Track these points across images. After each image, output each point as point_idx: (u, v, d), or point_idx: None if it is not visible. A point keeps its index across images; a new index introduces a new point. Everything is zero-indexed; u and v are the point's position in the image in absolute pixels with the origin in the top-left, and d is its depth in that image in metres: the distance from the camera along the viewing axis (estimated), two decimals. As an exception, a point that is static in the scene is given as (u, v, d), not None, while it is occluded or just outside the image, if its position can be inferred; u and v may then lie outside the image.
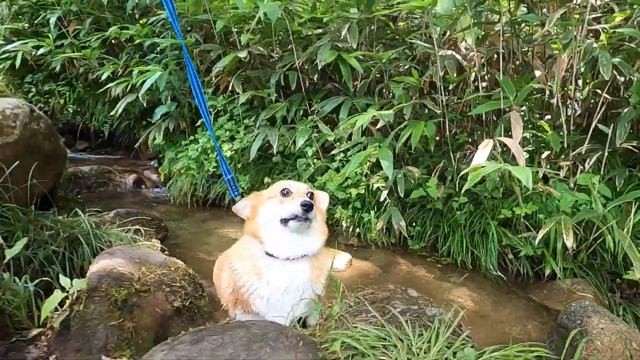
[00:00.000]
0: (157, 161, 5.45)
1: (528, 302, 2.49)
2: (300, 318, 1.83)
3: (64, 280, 1.22)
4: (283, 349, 1.01)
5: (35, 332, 1.16)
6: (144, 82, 4.43)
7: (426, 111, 3.72)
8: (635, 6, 2.93)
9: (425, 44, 3.26)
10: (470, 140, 3.62)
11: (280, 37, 4.13)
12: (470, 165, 2.54)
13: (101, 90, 4.95)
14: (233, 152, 4.04)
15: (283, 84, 3.98)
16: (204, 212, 4.09)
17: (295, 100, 4.10)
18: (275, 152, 3.79)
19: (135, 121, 5.71)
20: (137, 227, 2.24)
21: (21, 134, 2.05)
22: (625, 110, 2.90)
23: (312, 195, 1.87)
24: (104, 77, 4.85)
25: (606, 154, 2.79)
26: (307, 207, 1.72)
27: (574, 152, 3.08)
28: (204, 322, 1.45)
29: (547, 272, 2.64)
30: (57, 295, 1.17)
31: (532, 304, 2.47)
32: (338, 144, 3.66)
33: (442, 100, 3.43)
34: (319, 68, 3.73)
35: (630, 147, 2.88)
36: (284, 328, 1.11)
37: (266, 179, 3.94)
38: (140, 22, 4.73)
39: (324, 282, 1.81)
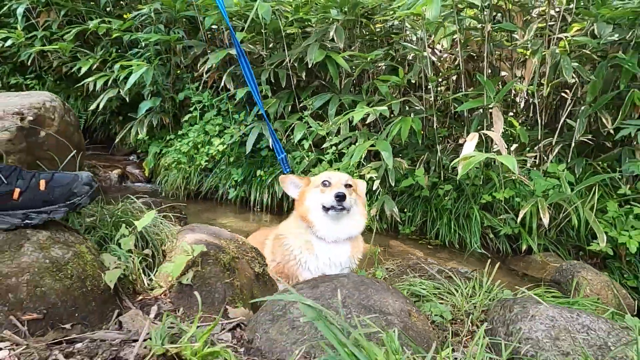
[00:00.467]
0: (137, 156, 5.42)
1: (510, 272, 2.87)
2: None
3: (185, 246, 1.39)
4: (381, 290, 1.25)
5: (160, 290, 1.32)
6: (127, 77, 4.44)
7: (407, 108, 4.06)
8: (587, 17, 3.41)
9: (414, 46, 3.57)
10: (448, 134, 4.00)
11: (268, 36, 4.30)
12: (460, 155, 2.88)
13: (79, 84, 4.87)
14: (225, 146, 4.16)
15: (273, 80, 4.16)
16: (197, 204, 4.19)
17: (284, 97, 4.30)
18: (271, 146, 3.96)
19: (111, 116, 5.63)
20: (165, 214, 2.36)
21: (59, 125, 2.13)
22: (582, 107, 3.36)
23: (349, 186, 2.08)
24: (83, 70, 4.78)
25: (573, 144, 3.22)
26: (340, 197, 1.94)
27: (539, 145, 3.53)
28: (273, 286, 1.65)
29: (524, 247, 3.04)
30: (183, 258, 1.33)
31: (514, 273, 2.86)
32: (329, 137, 3.90)
33: (425, 98, 3.77)
34: (309, 66, 3.95)
35: (585, 140, 3.36)
36: (369, 278, 1.35)
37: (258, 172, 4.11)
38: (125, 15, 4.71)
39: (360, 257, 2.06)
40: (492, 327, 1.24)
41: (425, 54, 3.74)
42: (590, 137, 3.34)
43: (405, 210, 3.51)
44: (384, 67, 4.52)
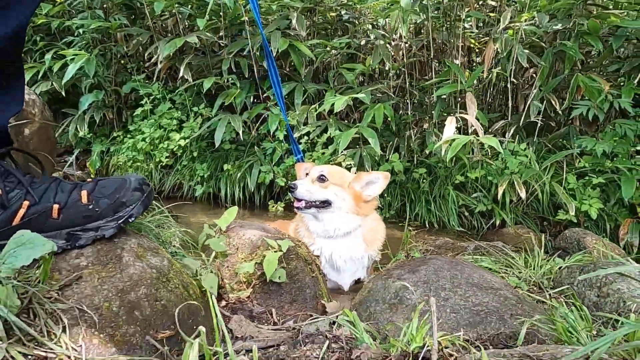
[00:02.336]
0: (75, 157, 4.88)
1: (488, 244, 3.08)
2: (359, 279, 2.07)
3: (272, 242, 1.27)
4: (474, 268, 1.28)
5: (245, 293, 1.19)
6: (62, 68, 3.98)
7: (372, 96, 4.14)
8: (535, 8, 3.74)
9: (380, 32, 3.64)
10: (413, 120, 4.15)
11: (227, 24, 4.10)
12: (442, 139, 3.02)
13: None
14: (187, 141, 3.92)
15: (234, 70, 3.99)
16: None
17: (246, 87, 4.15)
18: (242, 138, 3.81)
19: (38, 113, 4.99)
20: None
21: (40, 121, 1.88)
22: (534, 91, 3.69)
23: (322, 178, 1.99)
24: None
25: (539, 124, 3.52)
26: (290, 188, 1.95)
27: (496, 127, 3.81)
28: (324, 277, 1.61)
29: (498, 222, 3.28)
30: (274, 255, 1.21)
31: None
32: (300, 128, 3.85)
33: (390, 86, 3.88)
34: (275, 55, 3.84)
35: (535, 121, 3.69)
36: (455, 259, 1.37)
37: (225, 166, 3.93)
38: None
39: (380, 248, 2.06)
40: (576, 292, 1.34)
41: (383, 42, 3.84)
42: (541, 118, 3.68)
43: (385, 195, 3.59)
44: (344, 55, 4.54)
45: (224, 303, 1.19)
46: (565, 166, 3.29)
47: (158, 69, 4.02)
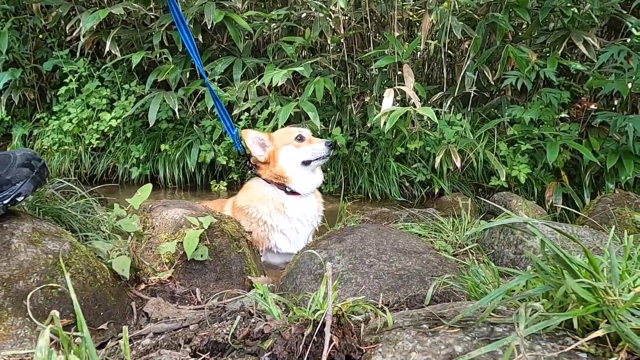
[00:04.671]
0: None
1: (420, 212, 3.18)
2: None
3: (193, 220, 1.19)
4: (399, 234, 1.29)
5: (166, 274, 1.12)
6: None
7: (312, 69, 4.08)
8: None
9: (318, 3, 3.56)
10: (354, 94, 4.15)
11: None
12: (381, 110, 3.04)
13: None
14: (119, 121, 3.70)
15: (167, 44, 3.77)
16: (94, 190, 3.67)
17: (181, 62, 3.95)
18: (178, 117, 3.64)
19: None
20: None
21: None
22: (468, 62, 3.79)
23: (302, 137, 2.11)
24: None
25: (473, 95, 3.62)
26: (331, 146, 2.07)
27: (434, 98, 3.90)
28: (258, 253, 1.57)
29: (436, 190, 3.39)
30: (195, 232, 1.14)
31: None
32: (240, 104, 3.73)
33: (332, 59, 3.83)
34: (209, 28, 3.67)
35: (469, 91, 3.81)
36: (382, 227, 1.38)
37: (163, 146, 3.76)
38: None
39: (323, 209, 2.10)
40: (496, 251, 1.40)
41: (322, 14, 3.77)
42: (475, 89, 3.80)
43: (328, 169, 3.60)
44: (284, 29, 4.42)
45: (143, 286, 1.12)
46: (497, 134, 3.43)
47: (82, 44, 3.72)
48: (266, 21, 4.06)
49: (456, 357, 0.55)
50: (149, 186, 1.21)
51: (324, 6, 3.59)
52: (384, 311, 0.71)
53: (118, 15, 3.58)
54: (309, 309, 0.74)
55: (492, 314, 0.66)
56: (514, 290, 0.69)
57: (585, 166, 3.24)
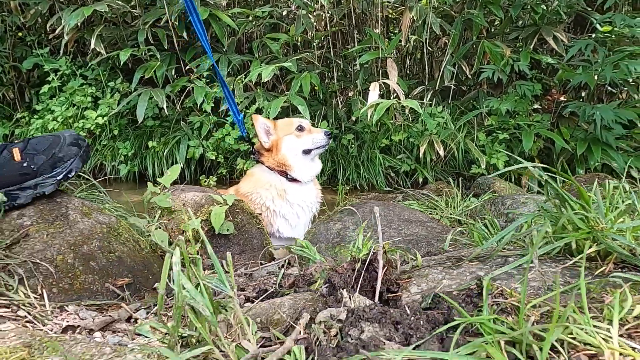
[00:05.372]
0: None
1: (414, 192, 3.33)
2: None
3: (218, 198, 1.27)
4: (403, 207, 1.42)
5: (195, 247, 1.20)
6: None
7: (297, 65, 4.18)
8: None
9: (305, 1, 3.66)
10: (339, 89, 4.28)
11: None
12: (367, 103, 3.17)
13: None
14: (105, 119, 3.70)
15: (152, 42, 3.80)
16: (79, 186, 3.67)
17: (166, 59, 3.98)
18: (169, 114, 3.67)
19: None
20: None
21: None
22: (447, 58, 3.97)
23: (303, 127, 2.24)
24: None
25: (452, 88, 3.80)
26: (330, 135, 2.19)
27: (415, 92, 4.07)
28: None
29: (420, 179, 3.56)
30: (221, 208, 1.22)
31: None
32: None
33: (315, 55, 3.95)
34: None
35: (448, 85, 3.99)
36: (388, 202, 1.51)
37: (150, 143, 3.79)
38: None
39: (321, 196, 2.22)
40: (488, 222, 1.54)
41: (305, 11, 3.88)
42: (454, 82, 3.99)
43: (316, 162, 3.70)
44: (267, 26, 4.50)
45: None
46: (476, 125, 3.62)
47: (65, 42, 3.70)
48: (250, 18, 4.14)
49: (481, 277, 0.67)
50: (178, 166, 1.29)
51: (309, 3, 3.69)
52: (414, 256, 0.82)
53: (102, 13, 3.59)
54: (350, 249, 0.85)
55: (504, 250, 0.78)
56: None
57: (558, 153, 3.46)
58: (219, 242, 1.28)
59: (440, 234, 1.26)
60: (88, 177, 1.66)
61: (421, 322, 0.53)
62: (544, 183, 0.77)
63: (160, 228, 1.14)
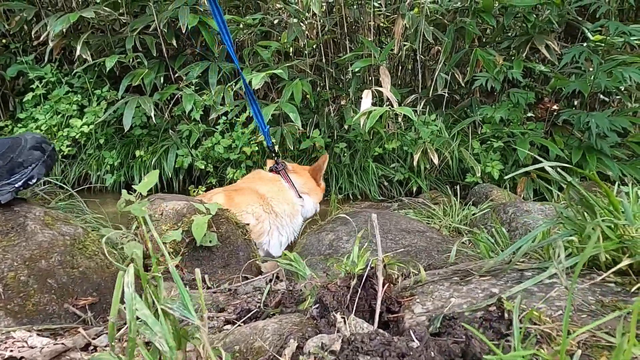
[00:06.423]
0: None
1: (410, 200, 3.26)
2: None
3: (200, 207, 1.17)
4: (400, 217, 1.33)
5: (174, 261, 1.10)
6: None
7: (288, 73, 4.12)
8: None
9: (295, 7, 3.61)
10: (332, 97, 4.21)
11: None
12: (360, 111, 3.11)
13: None
14: (91, 127, 3.60)
15: (141, 49, 3.72)
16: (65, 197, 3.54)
17: (155, 67, 3.89)
18: (155, 122, 3.57)
19: None
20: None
21: None
22: (439, 66, 3.93)
23: None
24: None
25: (445, 96, 3.75)
26: None
27: (408, 101, 4.02)
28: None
29: (414, 188, 3.48)
30: (203, 219, 1.12)
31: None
32: (216, 108, 3.71)
33: (307, 63, 3.88)
34: (184, 32, 3.65)
35: (442, 93, 3.95)
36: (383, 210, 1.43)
37: (137, 152, 3.68)
38: None
39: None
40: (489, 230, 1.46)
41: (296, 19, 3.83)
42: (447, 91, 3.95)
43: (308, 171, 3.61)
44: (258, 34, 4.44)
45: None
46: (470, 133, 3.57)
47: (50, 49, 3.60)
48: (241, 26, 4.08)
49: (496, 295, 0.59)
50: (156, 172, 1.19)
51: (301, 11, 3.64)
52: (417, 269, 0.74)
53: (88, 19, 3.51)
54: (344, 264, 0.76)
55: (519, 262, 0.70)
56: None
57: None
58: (201, 254, 1.19)
59: (440, 244, 1.18)
60: (65, 186, 1.55)
61: (433, 353, 0.44)
62: (565, 186, 0.69)
63: (135, 239, 1.04)
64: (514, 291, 0.59)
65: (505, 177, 3.10)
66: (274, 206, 1.94)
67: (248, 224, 1.64)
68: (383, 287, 0.61)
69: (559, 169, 0.69)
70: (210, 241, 1.16)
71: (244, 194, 1.96)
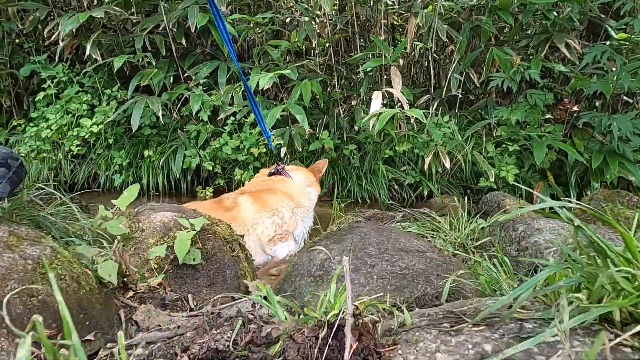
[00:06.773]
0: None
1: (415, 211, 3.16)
2: None
3: (184, 222, 1.11)
4: (399, 233, 1.25)
5: (156, 280, 1.05)
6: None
7: (298, 73, 4.04)
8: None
9: (307, 7, 3.54)
10: (342, 97, 4.13)
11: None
12: (370, 112, 3.01)
13: None
14: (100, 127, 3.59)
15: (150, 49, 3.69)
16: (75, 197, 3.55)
17: (164, 67, 3.87)
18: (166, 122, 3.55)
19: None
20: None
21: None
22: (453, 65, 3.80)
23: None
24: None
25: (459, 97, 3.63)
26: None
27: (420, 101, 3.90)
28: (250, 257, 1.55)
29: (425, 192, 3.38)
30: (186, 235, 1.07)
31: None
32: (225, 108, 3.67)
33: (317, 63, 3.80)
34: (193, 31, 3.61)
35: (455, 94, 3.82)
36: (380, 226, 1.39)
37: (146, 152, 3.66)
38: None
39: None
40: (497, 249, 1.37)
41: (307, 18, 3.75)
42: (461, 91, 3.82)
43: (316, 173, 3.54)
44: (269, 33, 4.38)
45: (131, 293, 1.05)
46: (484, 136, 3.44)
47: (60, 48, 3.60)
48: (251, 25, 4.01)
49: (488, 357, 0.51)
50: (137, 186, 1.14)
51: (310, 9, 3.56)
52: (401, 310, 0.66)
53: (98, 19, 3.49)
54: (319, 309, 0.69)
55: (519, 309, 0.62)
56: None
57: (571, 166, 3.27)
58: (185, 272, 1.13)
59: (441, 267, 1.09)
60: (59, 193, 1.52)
61: None
62: (573, 227, 0.60)
63: (111, 259, 0.99)
64: (509, 354, 0.51)
65: (500, 188, 3.00)
66: (300, 201, 2.19)
67: (242, 236, 1.59)
68: (359, 338, 0.54)
69: (565, 209, 0.60)
70: (193, 259, 1.09)
71: (273, 193, 2.16)
